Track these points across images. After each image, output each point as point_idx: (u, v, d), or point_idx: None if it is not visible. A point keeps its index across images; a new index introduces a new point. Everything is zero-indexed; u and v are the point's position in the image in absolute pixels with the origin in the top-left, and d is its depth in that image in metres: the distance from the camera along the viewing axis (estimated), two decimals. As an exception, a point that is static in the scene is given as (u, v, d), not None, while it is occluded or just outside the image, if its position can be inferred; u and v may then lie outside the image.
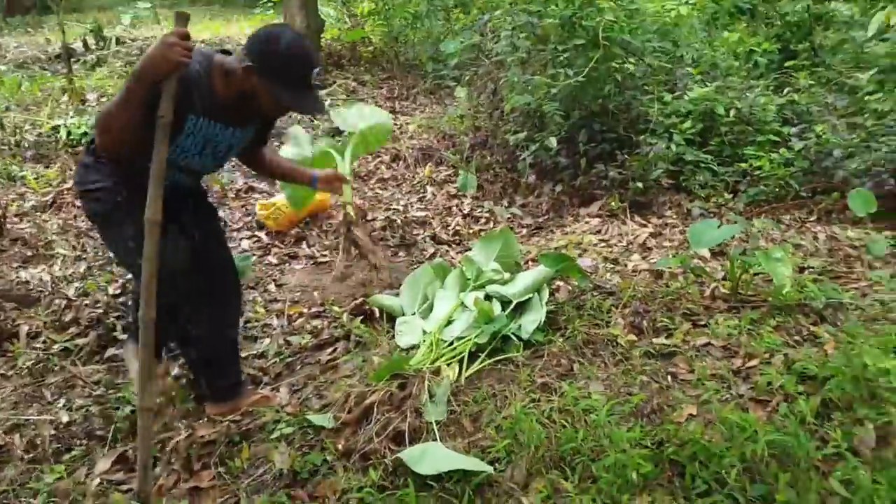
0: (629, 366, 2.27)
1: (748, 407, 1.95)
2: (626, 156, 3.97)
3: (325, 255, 3.70)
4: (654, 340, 2.39)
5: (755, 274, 2.71)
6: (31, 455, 2.19)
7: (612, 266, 3.09)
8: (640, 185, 3.78)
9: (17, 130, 5.05)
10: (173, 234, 1.98)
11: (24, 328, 2.84)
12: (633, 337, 2.41)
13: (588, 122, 4.17)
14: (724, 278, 2.77)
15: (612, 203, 3.77)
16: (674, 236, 3.40)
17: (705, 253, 3.08)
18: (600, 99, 4.24)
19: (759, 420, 1.82)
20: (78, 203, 3.82)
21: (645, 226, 3.58)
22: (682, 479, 1.72)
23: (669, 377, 2.20)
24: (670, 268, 2.88)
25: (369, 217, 4.05)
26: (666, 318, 2.51)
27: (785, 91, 4.47)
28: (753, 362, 2.18)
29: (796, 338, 2.30)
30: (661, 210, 3.77)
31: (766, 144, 3.89)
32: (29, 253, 3.55)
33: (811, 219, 3.55)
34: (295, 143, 3.52)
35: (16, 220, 3.98)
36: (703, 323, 2.48)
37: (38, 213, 4.04)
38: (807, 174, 3.78)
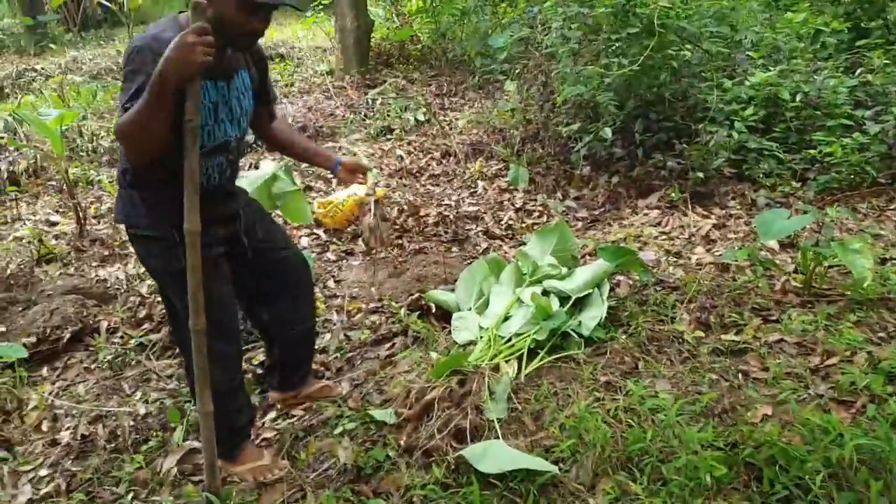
0: (697, 363, 2.21)
1: (830, 408, 1.86)
2: (685, 145, 3.85)
3: (380, 252, 3.73)
4: (723, 337, 2.31)
5: (830, 266, 2.59)
6: (112, 445, 2.30)
7: (674, 259, 3.00)
8: (700, 174, 3.66)
9: (94, 137, 5.27)
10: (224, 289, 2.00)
11: (104, 323, 2.97)
12: (699, 333, 2.34)
13: (644, 112, 4.07)
14: (795, 271, 2.65)
15: (672, 194, 3.66)
16: (738, 228, 3.28)
17: (774, 245, 2.95)
18: (655, 87, 4.12)
19: (843, 422, 1.73)
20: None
21: (707, 217, 3.47)
22: (760, 484, 1.65)
23: (741, 375, 2.13)
24: (736, 260, 2.78)
25: (422, 213, 4.06)
26: (734, 313, 2.43)
27: (857, 72, 4.24)
28: (833, 360, 2.08)
29: (881, 334, 2.18)
30: (723, 200, 3.64)
31: (838, 129, 3.70)
32: (106, 253, 3.72)
33: (891, 207, 3.37)
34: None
35: (94, 221, 4.17)
36: (774, 318, 2.38)
37: (113, 216, 4.22)
38: (884, 159, 3.58)
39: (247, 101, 1.96)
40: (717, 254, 2.98)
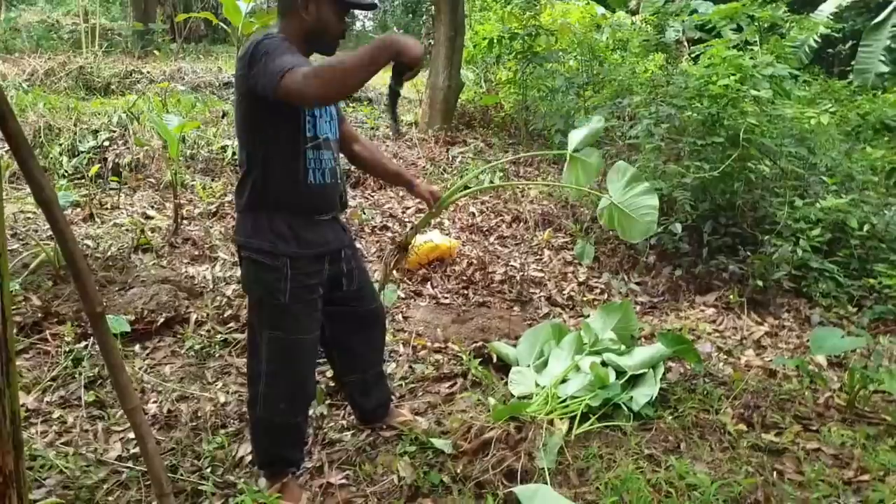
0: (736, 454, 2.36)
1: (857, 519, 2.00)
2: (749, 252, 4.05)
3: (446, 298, 3.99)
4: (764, 435, 2.47)
5: (875, 391, 2.73)
6: (194, 424, 2.56)
7: (724, 357, 3.18)
8: (760, 283, 3.84)
9: (195, 145, 5.77)
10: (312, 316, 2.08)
11: (194, 316, 3.29)
12: (742, 427, 2.50)
13: (714, 215, 4.30)
14: (840, 389, 2.80)
15: (730, 296, 3.85)
16: (790, 339, 3.44)
17: (822, 360, 3.10)
18: (729, 194, 4.36)
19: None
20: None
21: (761, 324, 3.63)
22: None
23: (776, 473, 2.28)
24: (785, 368, 2.94)
25: (489, 269, 4.32)
26: (777, 416, 2.58)
27: (926, 212, 4.39)
28: (866, 476, 2.21)
29: (916, 463, 2.31)
30: (778, 311, 3.80)
31: (899, 264, 3.86)
32: (196, 252, 4.08)
33: (942, 345, 3.48)
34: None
35: (185, 222, 4.57)
36: (814, 428, 2.53)
37: (204, 220, 4.62)
38: (941, 301, 3.71)
39: (332, 108, 2.09)
40: (766, 359, 3.14)
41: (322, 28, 1.93)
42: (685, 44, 8.44)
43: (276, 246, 1.96)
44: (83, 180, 5.35)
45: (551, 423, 2.46)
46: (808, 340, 3.24)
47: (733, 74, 4.36)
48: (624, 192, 2.49)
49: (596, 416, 2.56)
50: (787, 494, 2.10)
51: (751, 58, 4.60)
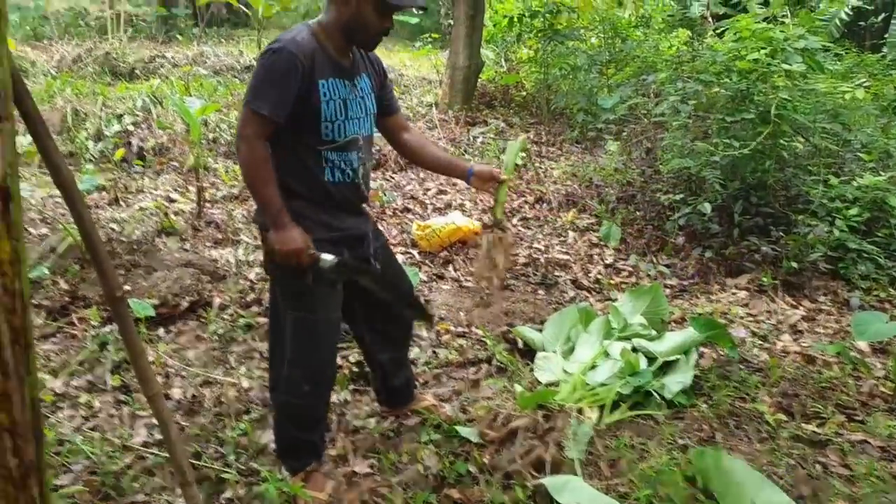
0: (775, 445, 2.28)
1: (908, 514, 1.91)
2: (782, 233, 3.92)
3: (468, 281, 3.92)
4: (804, 426, 2.38)
5: (921, 378, 2.62)
6: (217, 409, 2.54)
7: (759, 342, 3.07)
8: (794, 265, 3.72)
9: (217, 128, 5.73)
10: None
11: (217, 300, 3.26)
12: (781, 417, 2.41)
13: (745, 194, 4.16)
14: (885, 377, 2.69)
15: (763, 278, 3.72)
16: (828, 324, 3.32)
17: (864, 346, 2.98)
18: (760, 173, 4.21)
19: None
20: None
21: (796, 307, 3.51)
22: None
23: (819, 466, 2.19)
24: (824, 354, 2.83)
25: (513, 252, 4.24)
26: (818, 405, 2.48)
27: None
28: (915, 470, 2.12)
29: (968, 455, 2.20)
30: (813, 294, 3.68)
31: (943, 244, 3.70)
32: (219, 236, 4.06)
33: None
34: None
35: (208, 205, 4.54)
36: (858, 418, 2.43)
37: (227, 203, 4.59)
38: None
39: (370, 103, 2.06)
40: (803, 344, 3.03)
41: (361, 24, 1.90)
42: (710, 19, 8.19)
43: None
44: (108, 164, 5.36)
45: (580, 411, 2.40)
46: (847, 325, 3.12)
47: (763, 48, 4.18)
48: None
49: (626, 404, 2.49)
50: (833, 490, 2.01)
51: (781, 31, 4.42)
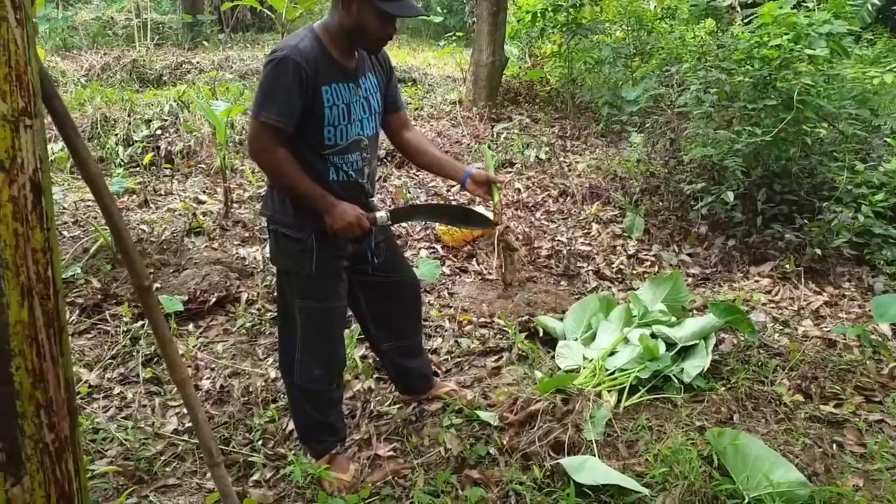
0: (792, 426, 2.28)
1: (923, 490, 1.91)
2: (806, 220, 3.87)
3: (490, 274, 3.97)
4: (822, 407, 2.37)
5: (944, 360, 2.59)
6: (245, 399, 2.64)
7: (780, 327, 3.06)
8: (818, 251, 3.68)
9: (244, 131, 5.88)
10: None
11: (244, 295, 3.37)
12: (799, 398, 2.41)
13: (768, 182, 4.12)
14: (906, 359, 2.66)
15: (787, 265, 3.69)
16: (851, 309, 3.28)
17: (886, 329, 2.95)
18: (784, 160, 4.17)
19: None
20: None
21: (819, 293, 3.48)
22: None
23: (835, 445, 2.19)
24: (845, 337, 2.81)
25: (535, 244, 4.28)
26: (836, 386, 2.48)
27: None
28: (933, 448, 2.11)
29: None
30: (838, 280, 3.64)
31: (971, 229, 3.63)
32: (246, 234, 4.18)
33: None
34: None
35: (235, 206, 4.67)
36: (877, 399, 2.42)
37: (254, 202, 4.71)
38: None
39: (375, 102, 2.09)
40: (825, 329, 3.01)
41: (362, 30, 1.93)
42: (737, 8, 8.09)
43: (302, 220, 2.02)
44: (138, 168, 5.54)
45: (599, 395, 2.43)
46: (870, 310, 3.09)
47: (786, 34, 4.14)
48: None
49: (645, 388, 2.51)
50: (846, 466, 2.01)
51: (805, 16, 4.36)
